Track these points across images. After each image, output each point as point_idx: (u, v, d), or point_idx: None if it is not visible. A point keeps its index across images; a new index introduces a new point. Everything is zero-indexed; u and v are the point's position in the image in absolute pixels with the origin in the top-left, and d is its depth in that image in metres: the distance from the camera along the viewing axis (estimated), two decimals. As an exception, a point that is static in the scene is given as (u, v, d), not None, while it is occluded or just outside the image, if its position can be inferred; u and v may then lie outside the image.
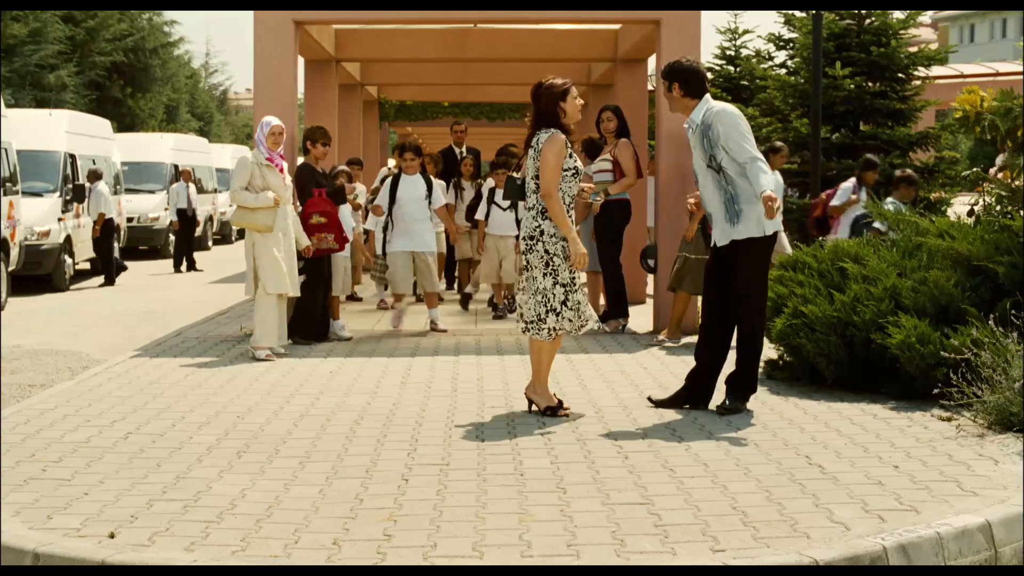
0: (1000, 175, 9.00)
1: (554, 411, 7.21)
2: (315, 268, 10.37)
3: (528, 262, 7.22)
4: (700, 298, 10.28)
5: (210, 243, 29.47)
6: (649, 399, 7.58)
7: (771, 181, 7.03)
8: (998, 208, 8.69)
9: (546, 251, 7.14)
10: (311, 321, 10.45)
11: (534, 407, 7.31)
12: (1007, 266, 7.64)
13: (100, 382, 8.56)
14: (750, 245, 7.15)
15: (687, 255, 10.14)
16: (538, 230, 7.16)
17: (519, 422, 7.07)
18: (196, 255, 23.03)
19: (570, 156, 7.16)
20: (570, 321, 7.23)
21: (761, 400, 7.53)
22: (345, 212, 10.90)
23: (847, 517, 5.02)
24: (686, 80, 7.23)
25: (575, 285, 7.23)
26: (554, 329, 7.20)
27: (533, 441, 6.55)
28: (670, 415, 7.22)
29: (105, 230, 19.66)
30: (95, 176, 19.97)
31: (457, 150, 14.73)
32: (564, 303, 7.17)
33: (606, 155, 10.95)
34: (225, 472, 5.89)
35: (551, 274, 7.15)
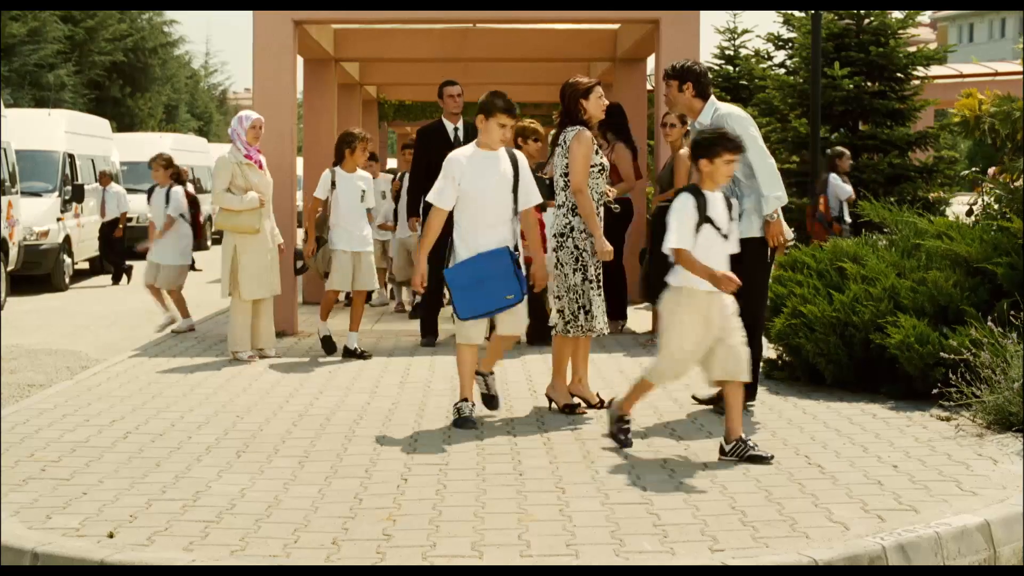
0: (1000, 177, 9.00)
1: (572, 409, 7.25)
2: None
3: (558, 259, 7.25)
4: None
5: (209, 243, 29.44)
6: (693, 397, 7.60)
7: (776, 202, 7.10)
8: (996, 207, 8.70)
9: (576, 247, 7.20)
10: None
11: (554, 405, 7.36)
12: (1006, 267, 7.64)
13: (99, 382, 8.56)
14: (751, 244, 7.17)
15: None
16: (568, 227, 7.23)
17: (518, 421, 7.08)
18: (195, 255, 22.99)
19: (596, 152, 7.24)
20: (588, 320, 7.28)
21: (760, 400, 7.53)
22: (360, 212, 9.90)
23: (846, 517, 5.03)
24: (698, 81, 7.28)
25: (598, 285, 7.26)
26: (586, 327, 7.24)
27: (532, 440, 6.55)
28: (669, 415, 7.22)
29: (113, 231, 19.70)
30: (108, 178, 19.95)
31: (451, 126, 10.51)
32: (590, 300, 7.22)
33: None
34: (224, 472, 5.89)
35: (580, 270, 7.20)
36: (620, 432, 6.35)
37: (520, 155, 7.15)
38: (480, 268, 6.86)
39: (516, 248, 7.02)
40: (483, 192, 6.96)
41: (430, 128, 10.71)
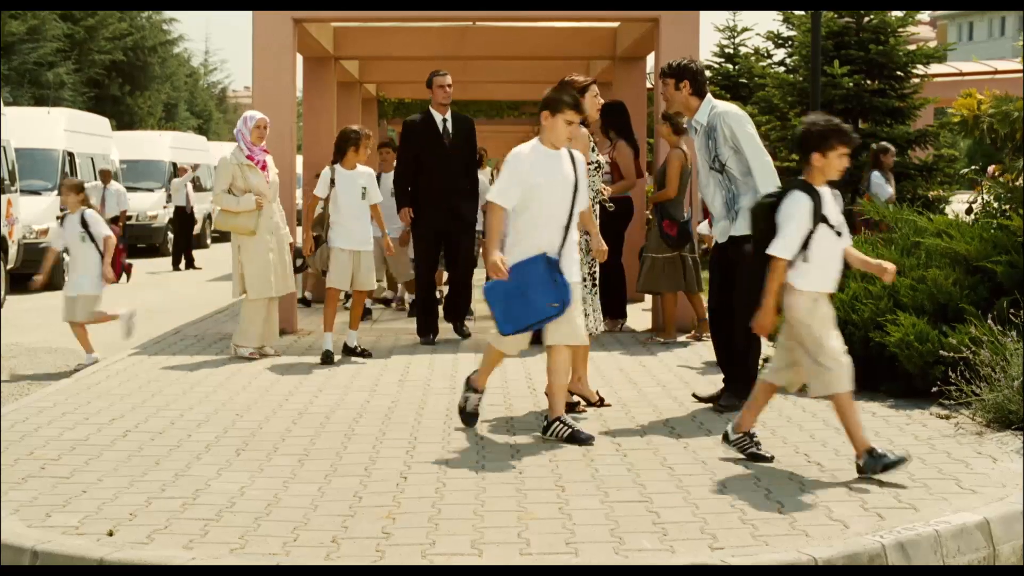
0: (1001, 177, 9.00)
1: (571, 407, 7.25)
2: None
3: None
4: (693, 295, 10.37)
5: (208, 241, 29.46)
6: (694, 395, 7.60)
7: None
8: (996, 205, 8.69)
9: None
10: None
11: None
12: (1005, 265, 7.64)
13: (98, 380, 8.56)
14: (749, 242, 7.17)
15: (652, 255, 10.16)
16: None
17: (518, 420, 7.08)
18: (195, 253, 23.04)
19: (592, 150, 7.23)
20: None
21: (760, 398, 7.52)
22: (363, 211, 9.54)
23: (846, 515, 5.03)
24: (695, 79, 7.29)
25: (593, 284, 7.24)
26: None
27: (532, 439, 6.55)
28: (669, 413, 7.22)
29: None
30: (109, 176, 19.96)
31: (439, 118, 10.33)
32: (582, 299, 7.21)
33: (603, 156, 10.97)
34: (224, 470, 5.89)
35: None
36: (877, 465, 5.59)
37: (578, 154, 6.69)
38: (520, 279, 6.34)
39: (560, 253, 6.47)
40: (547, 192, 6.45)
41: (417, 120, 10.39)
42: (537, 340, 7.13)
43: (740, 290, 7.28)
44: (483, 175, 12.88)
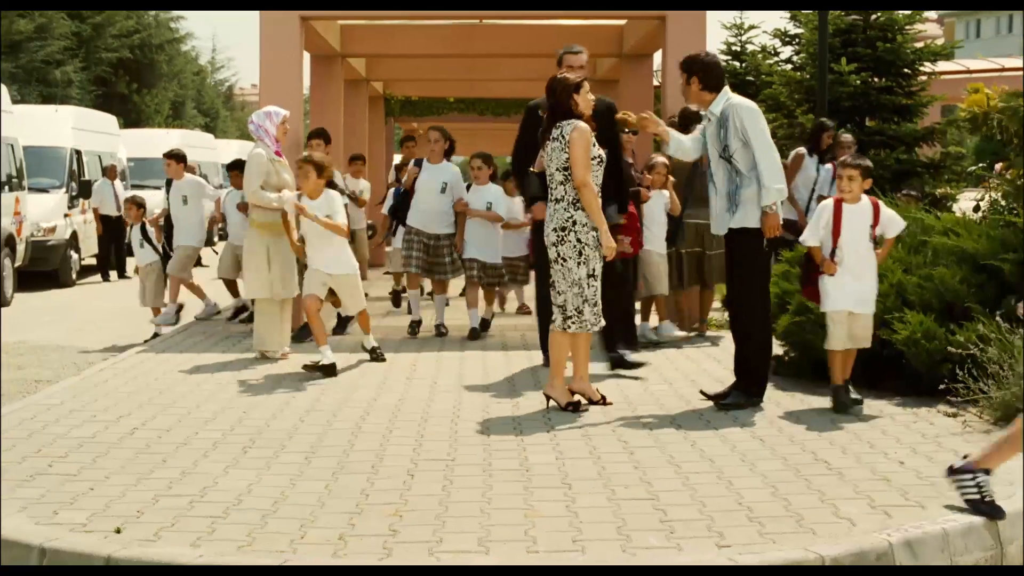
0: (1007, 173, 8.99)
1: (575, 406, 7.23)
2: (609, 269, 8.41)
3: (560, 254, 7.23)
4: (681, 291, 10.35)
5: (216, 239, 29.47)
6: (701, 392, 7.57)
7: (776, 194, 7.13)
8: (1003, 203, 8.69)
9: (579, 240, 7.18)
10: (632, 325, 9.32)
11: (552, 403, 7.35)
12: (1012, 263, 7.63)
13: (106, 378, 8.57)
14: (746, 235, 7.21)
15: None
16: (571, 220, 7.19)
17: (524, 417, 7.08)
18: (201, 251, 23.04)
19: (594, 145, 7.23)
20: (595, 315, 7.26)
21: (766, 395, 7.51)
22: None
23: (853, 513, 5.02)
24: (705, 74, 7.31)
25: (598, 279, 7.24)
26: (590, 322, 7.22)
27: (538, 436, 6.55)
28: (675, 409, 7.21)
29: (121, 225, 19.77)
30: (115, 172, 19.98)
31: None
32: (595, 294, 7.21)
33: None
34: (231, 468, 5.90)
35: (584, 263, 7.18)
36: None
37: None
38: None
39: None
40: None
41: (543, 103, 8.31)
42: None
43: (737, 283, 7.31)
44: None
